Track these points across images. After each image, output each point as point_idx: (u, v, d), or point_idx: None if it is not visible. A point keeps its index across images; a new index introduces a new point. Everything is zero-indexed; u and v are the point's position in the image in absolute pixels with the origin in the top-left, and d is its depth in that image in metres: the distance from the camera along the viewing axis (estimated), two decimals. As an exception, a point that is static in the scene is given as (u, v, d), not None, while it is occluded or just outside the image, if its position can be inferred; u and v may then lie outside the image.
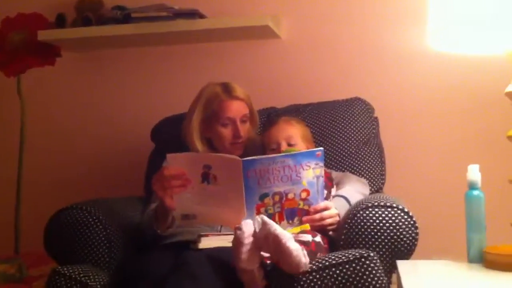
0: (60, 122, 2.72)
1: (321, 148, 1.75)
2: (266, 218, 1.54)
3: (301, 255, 1.52)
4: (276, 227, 1.52)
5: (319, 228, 1.74)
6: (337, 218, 1.77)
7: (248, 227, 1.56)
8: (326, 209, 1.75)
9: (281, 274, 1.55)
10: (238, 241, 1.54)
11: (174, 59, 2.65)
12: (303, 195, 1.73)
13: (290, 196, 1.71)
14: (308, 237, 1.63)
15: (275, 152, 1.94)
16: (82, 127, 2.70)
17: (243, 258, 1.52)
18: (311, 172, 1.72)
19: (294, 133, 2.00)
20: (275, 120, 2.10)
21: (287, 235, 1.52)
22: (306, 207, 1.73)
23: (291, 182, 1.71)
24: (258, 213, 1.68)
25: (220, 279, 1.55)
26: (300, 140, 2.00)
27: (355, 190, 1.92)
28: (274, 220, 1.69)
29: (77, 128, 2.71)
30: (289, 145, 1.97)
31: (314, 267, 1.54)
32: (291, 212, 1.73)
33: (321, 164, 1.73)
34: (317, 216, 1.73)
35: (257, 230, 1.55)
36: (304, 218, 1.73)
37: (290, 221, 1.73)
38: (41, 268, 2.24)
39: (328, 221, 1.75)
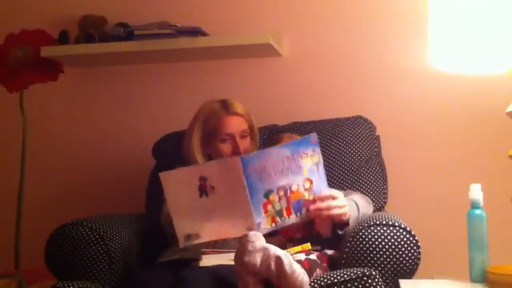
0: (62, 138, 2.72)
1: (314, 133, 1.74)
2: (265, 243, 1.52)
3: (303, 274, 1.51)
4: (276, 249, 1.50)
5: (328, 222, 1.72)
6: (346, 209, 1.75)
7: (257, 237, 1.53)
8: (331, 197, 1.73)
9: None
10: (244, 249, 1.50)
11: (177, 76, 2.65)
12: (307, 185, 1.71)
13: (294, 188, 1.69)
14: (301, 256, 1.62)
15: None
16: (84, 143, 2.70)
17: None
18: (309, 160, 1.71)
19: None
20: (278, 136, 2.11)
21: (288, 256, 1.51)
22: (311, 197, 1.71)
23: (292, 173, 1.69)
24: (266, 211, 1.63)
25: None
26: None
27: (361, 201, 1.91)
28: (282, 215, 1.66)
29: (79, 143, 2.70)
30: None
31: (316, 285, 1.53)
32: (298, 204, 1.70)
33: (318, 150, 1.72)
34: (324, 205, 1.71)
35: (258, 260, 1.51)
36: (311, 207, 1.70)
37: (298, 214, 1.70)
38: (41, 284, 2.22)
39: (336, 211, 1.73)
